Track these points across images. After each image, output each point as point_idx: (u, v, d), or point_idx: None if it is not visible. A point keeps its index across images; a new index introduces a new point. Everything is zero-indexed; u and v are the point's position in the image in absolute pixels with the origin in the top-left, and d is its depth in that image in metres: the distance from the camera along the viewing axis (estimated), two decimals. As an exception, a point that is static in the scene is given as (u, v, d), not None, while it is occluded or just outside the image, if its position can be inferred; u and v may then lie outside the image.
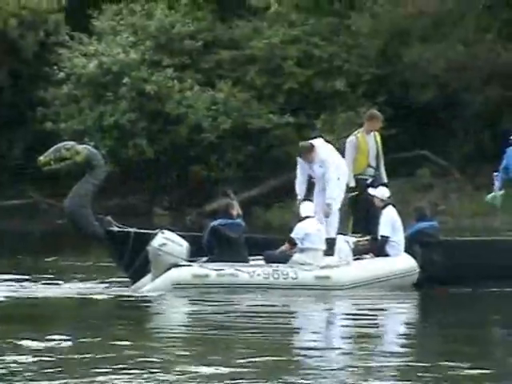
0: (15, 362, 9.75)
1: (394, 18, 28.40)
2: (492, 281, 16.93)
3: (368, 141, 17.66)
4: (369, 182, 17.38)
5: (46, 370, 9.30)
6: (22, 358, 9.89)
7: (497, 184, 17.95)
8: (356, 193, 17.38)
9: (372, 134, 17.86)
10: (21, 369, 9.33)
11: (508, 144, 18.57)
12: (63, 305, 15.91)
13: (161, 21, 31.63)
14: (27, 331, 11.91)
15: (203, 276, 15.64)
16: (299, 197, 17.22)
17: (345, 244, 16.42)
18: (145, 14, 31.99)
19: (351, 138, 17.96)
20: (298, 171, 17.42)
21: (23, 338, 11.08)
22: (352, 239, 16.70)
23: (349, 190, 17.54)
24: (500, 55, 28.47)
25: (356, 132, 18.10)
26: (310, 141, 17.37)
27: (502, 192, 17.88)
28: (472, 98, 26.57)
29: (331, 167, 16.75)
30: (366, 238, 17.18)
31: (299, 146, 17.83)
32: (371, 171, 17.43)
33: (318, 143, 17.08)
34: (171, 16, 31.80)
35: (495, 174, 18.18)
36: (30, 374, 9.04)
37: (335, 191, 16.53)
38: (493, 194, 17.93)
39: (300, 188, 17.30)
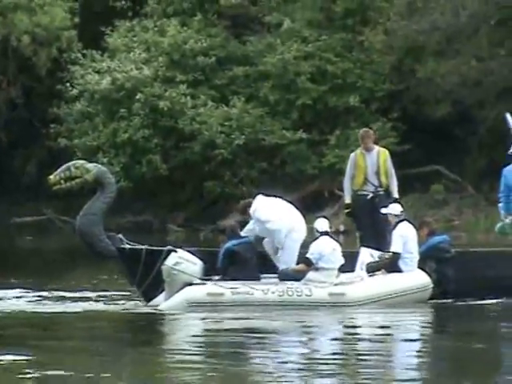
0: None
1: (407, 34, 28.37)
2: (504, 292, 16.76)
3: (367, 158, 17.63)
4: (369, 197, 17.35)
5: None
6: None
7: (502, 212, 17.46)
8: (349, 210, 17.47)
9: (375, 151, 17.80)
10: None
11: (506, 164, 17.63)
12: (77, 320, 15.72)
13: (174, 37, 31.64)
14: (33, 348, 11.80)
15: (218, 294, 15.50)
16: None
17: (369, 257, 16.33)
18: (158, 31, 32.03)
19: (351, 155, 18.14)
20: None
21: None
22: (377, 253, 16.55)
23: (345, 206, 17.81)
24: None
25: (357, 149, 18.21)
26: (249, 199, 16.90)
27: (509, 219, 17.27)
28: (486, 114, 26.51)
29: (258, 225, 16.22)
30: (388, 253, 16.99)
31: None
32: (371, 187, 17.33)
33: (256, 202, 16.49)
34: (184, 32, 31.78)
35: (499, 202, 17.52)
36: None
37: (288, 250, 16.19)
38: (501, 223, 17.37)
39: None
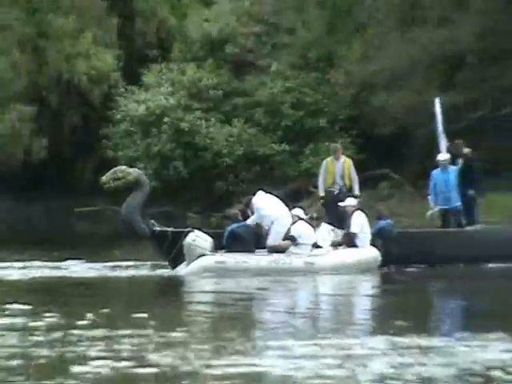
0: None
1: (362, 74, 27.98)
2: (437, 262, 16.55)
3: (336, 165, 17.36)
4: (336, 193, 17.06)
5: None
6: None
7: (431, 204, 17.24)
8: (323, 201, 17.24)
9: (342, 160, 17.56)
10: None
11: (434, 168, 17.84)
12: (124, 283, 15.63)
13: (192, 76, 31.34)
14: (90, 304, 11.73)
15: (223, 262, 15.48)
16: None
17: (326, 232, 16.47)
18: (180, 71, 31.71)
19: (323, 162, 17.88)
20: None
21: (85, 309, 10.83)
22: (335, 230, 16.53)
23: (319, 198, 17.57)
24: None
25: (328, 158, 17.89)
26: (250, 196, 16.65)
27: (436, 209, 17.35)
28: (420, 133, 25.96)
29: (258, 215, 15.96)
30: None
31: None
32: (337, 186, 17.12)
33: (256, 196, 16.37)
34: (199, 72, 31.41)
35: (428, 196, 17.80)
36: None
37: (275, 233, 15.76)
38: (430, 211, 17.55)
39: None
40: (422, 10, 27.46)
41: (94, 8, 32.91)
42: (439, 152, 17.70)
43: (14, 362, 7.79)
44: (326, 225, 16.49)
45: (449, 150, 17.59)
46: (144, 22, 33.40)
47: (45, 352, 8.40)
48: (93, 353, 8.25)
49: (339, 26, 29.66)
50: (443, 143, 17.68)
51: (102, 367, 7.60)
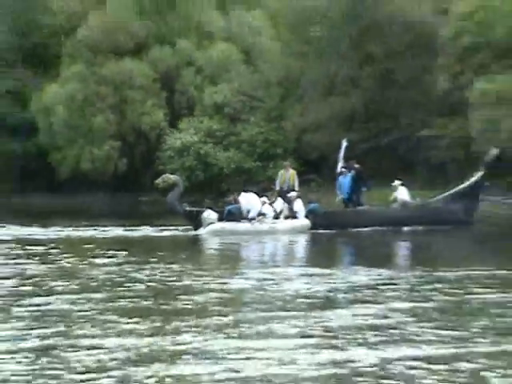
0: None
1: (301, 123, 27.41)
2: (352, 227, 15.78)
3: (286, 174, 17.19)
4: (285, 189, 16.71)
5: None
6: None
7: (338, 196, 17.36)
8: (277, 193, 16.67)
9: (290, 171, 17.33)
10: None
11: (339, 175, 17.28)
12: (169, 239, 14.71)
13: (206, 124, 30.53)
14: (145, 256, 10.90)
15: (223, 227, 15.32)
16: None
17: (282, 204, 15.99)
18: (200, 121, 30.92)
19: (279, 172, 17.72)
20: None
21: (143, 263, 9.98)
22: (287, 206, 15.96)
23: (277, 192, 16.84)
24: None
25: (282, 170, 17.74)
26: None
27: (340, 198, 17.26)
28: (332, 156, 24.52)
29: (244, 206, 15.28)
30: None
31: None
32: (286, 185, 16.86)
33: (241, 195, 15.68)
34: (211, 122, 30.56)
35: (337, 191, 17.35)
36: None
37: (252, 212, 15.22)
38: (337, 199, 17.29)
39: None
40: (335, 86, 27.49)
41: (153, 88, 32.33)
42: (339, 167, 17.44)
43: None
44: (281, 200, 16.18)
45: (347, 166, 17.36)
46: (180, 94, 32.71)
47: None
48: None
49: (290, 95, 29.27)
50: (340, 163, 17.40)
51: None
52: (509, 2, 21.04)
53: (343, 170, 17.24)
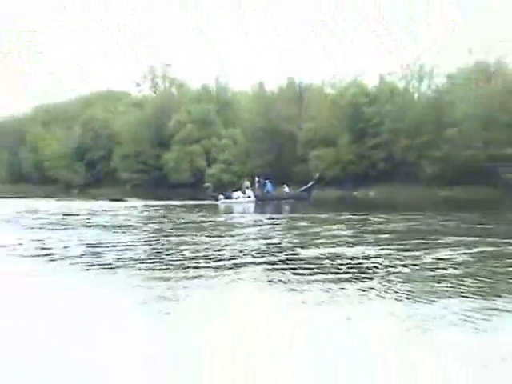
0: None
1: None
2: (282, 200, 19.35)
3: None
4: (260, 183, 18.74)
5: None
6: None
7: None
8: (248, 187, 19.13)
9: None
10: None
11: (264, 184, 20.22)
12: (195, 209, 15.15)
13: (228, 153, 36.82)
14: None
15: (227, 203, 18.96)
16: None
17: (239, 193, 18.88)
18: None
19: (244, 183, 20.08)
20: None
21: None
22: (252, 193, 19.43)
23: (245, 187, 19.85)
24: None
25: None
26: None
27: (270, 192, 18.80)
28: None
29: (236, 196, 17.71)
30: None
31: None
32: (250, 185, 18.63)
33: (233, 192, 18.24)
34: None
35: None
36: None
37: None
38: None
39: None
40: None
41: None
42: (311, 181, 20.36)
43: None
44: (250, 191, 18.38)
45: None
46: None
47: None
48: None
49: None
50: (311, 183, 20.70)
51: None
52: None
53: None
